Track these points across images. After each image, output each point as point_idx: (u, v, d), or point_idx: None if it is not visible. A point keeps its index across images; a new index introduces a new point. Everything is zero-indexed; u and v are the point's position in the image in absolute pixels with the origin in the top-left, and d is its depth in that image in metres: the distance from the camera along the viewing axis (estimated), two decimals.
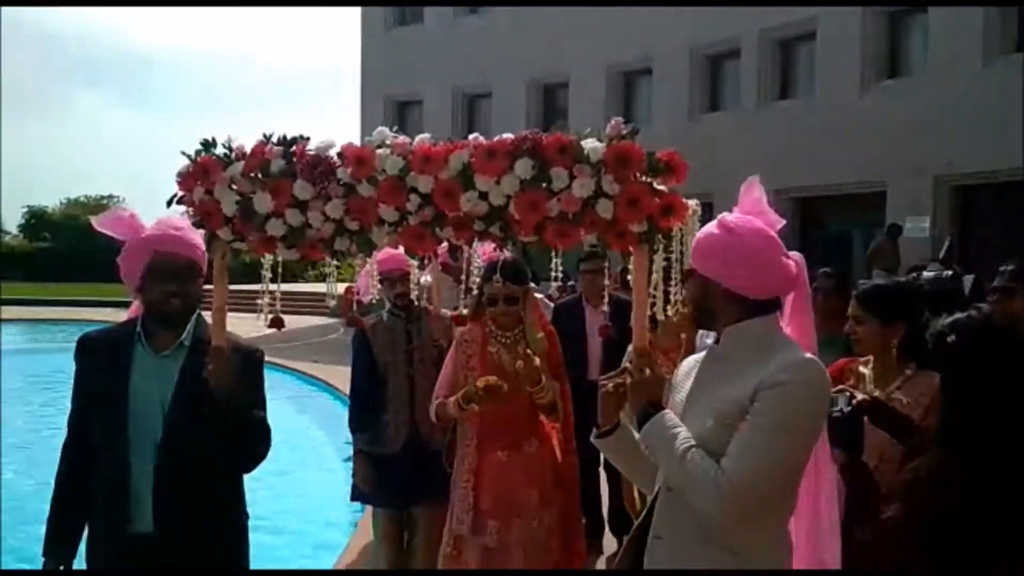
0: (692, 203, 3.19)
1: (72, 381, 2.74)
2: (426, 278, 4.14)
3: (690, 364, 2.31)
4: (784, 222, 2.24)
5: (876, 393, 3.06)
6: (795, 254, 2.20)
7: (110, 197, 62.41)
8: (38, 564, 2.72)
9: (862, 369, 3.24)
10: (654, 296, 2.40)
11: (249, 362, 2.74)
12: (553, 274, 3.74)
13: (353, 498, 4.46)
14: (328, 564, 5.52)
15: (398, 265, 4.13)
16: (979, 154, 14.93)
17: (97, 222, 2.66)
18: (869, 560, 2.56)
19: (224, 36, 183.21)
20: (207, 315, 2.67)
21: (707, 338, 2.44)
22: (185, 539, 2.58)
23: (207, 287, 2.64)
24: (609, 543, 5.53)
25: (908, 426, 2.77)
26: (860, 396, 2.87)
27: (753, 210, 2.18)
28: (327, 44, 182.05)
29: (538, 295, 6.23)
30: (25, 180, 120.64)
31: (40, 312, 24.41)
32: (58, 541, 2.67)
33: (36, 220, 53.21)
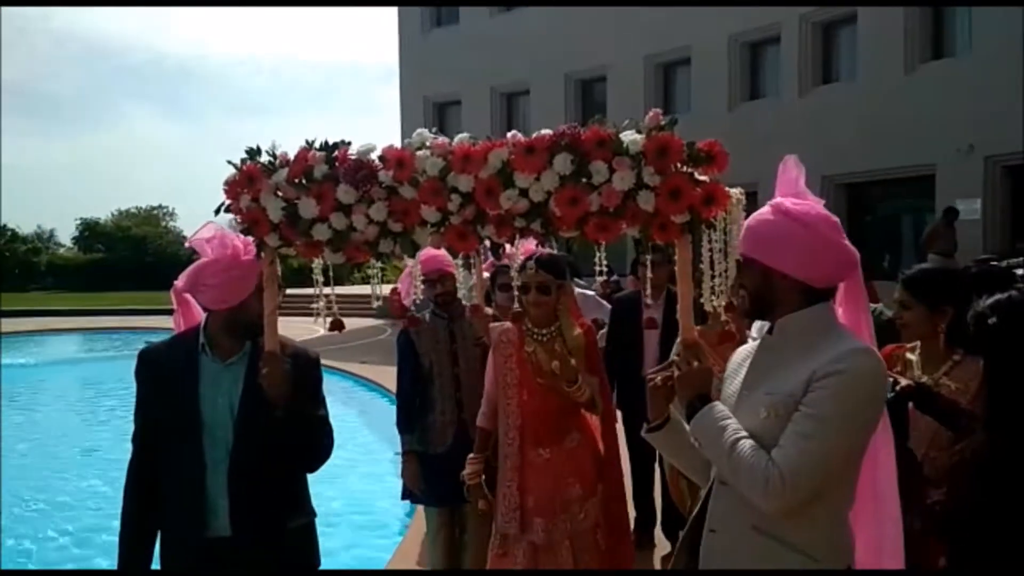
0: (736, 191, 3.17)
1: (135, 397, 2.78)
2: (473, 279, 4.17)
3: (742, 355, 2.29)
4: (823, 201, 2.20)
5: (924, 379, 3.04)
6: None
7: (160, 207, 63.79)
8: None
9: (909, 355, 3.21)
10: (702, 288, 2.39)
11: (305, 363, 2.77)
12: (597, 268, 3.74)
13: (404, 496, 4.51)
14: (382, 562, 5.58)
15: (438, 266, 4.16)
16: None
17: (196, 244, 2.69)
18: (918, 548, 2.51)
19: (266, 43, 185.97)
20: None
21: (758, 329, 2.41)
22: (260, 540, 2.64)
23: None
24: (663, 539, 5.52)
25: (954, 411, 2.72)
26: (904, 382, 2.82)
27: (791, 191, 2.15)
28: (367, 48, 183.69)
29: (588, 292, 6.24)
30: (78, 193, 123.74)
31: (96, 321, 25.00)
32: (134, 559, 2.72)
33: (89, 232, 54.46)
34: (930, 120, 16.04)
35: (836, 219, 2.11)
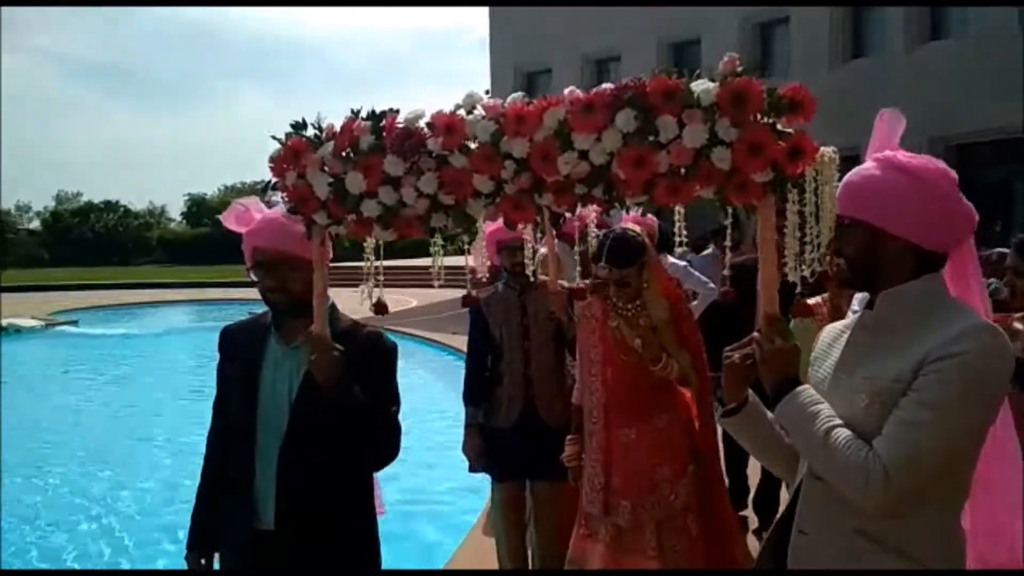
0: (829, 149, 2.86)
1: (216, 370, 2.76)
2: (542, 250, 3.98)
3: (833, 333, 2.02)
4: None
5: None
6: None
7: (263, 182, 65.72)
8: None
9: (1017, 325, 2.92)
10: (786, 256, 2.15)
11: (375, 353, 2.59)
12: (677, 239, 3.50)
13: (471, 469, 4.36)
14: (465, 530, 5.59)
15: (517, 233, 3.98)
16: None
17: (222, 218, 2.67)
18: None
19: (360, 15, 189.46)
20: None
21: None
22: (307, 538, 2.48)
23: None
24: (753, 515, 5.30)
25: None
26: None
27: (883, 146, 1.87)
28: (459, 16, 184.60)
29: (680, 261, 5.96)
30: (186, 169, 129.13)
31: (205, 293, 26.01)
32: (200, 534, 2.65)
33: (197, 207, 56.53)
34: None
35: (954, 175, 1.83)
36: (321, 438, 2.46)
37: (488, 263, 4.08)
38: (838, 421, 1.76)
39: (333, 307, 2.58)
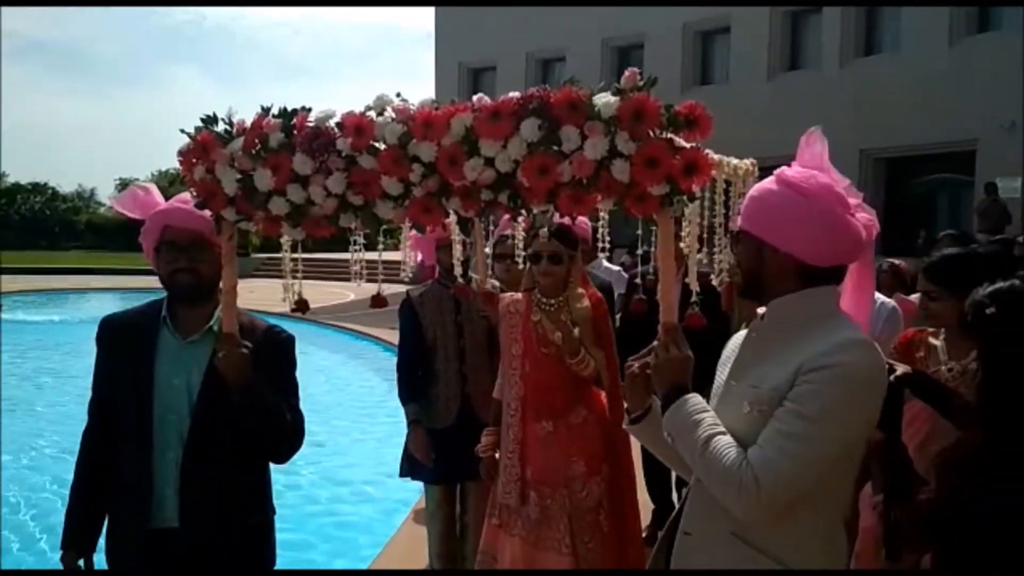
0: (747, 162, 2.92)
1: (94, 366, 2.62)
2: (487, 249, 3.99)
3: (735, 343, 2.07)
4: (848, 182, 1.99)
5: (951, 365, 2.88)
6: (865, 214, 1.96)
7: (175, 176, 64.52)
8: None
9: (933, 340, 3.02)
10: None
11: (275, 346, 2.56)
12: (600, 245, 3.51)
13: (403, 474, 4.28)
14: (389, 533, 5.49)
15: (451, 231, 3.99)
16: None
17: (115, 202, 2.58)
18: (904, 545, 2.33)
19: (305, 3, 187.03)
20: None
21: None
22: (210, 534, 2.44)
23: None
24: None
25: (952, 399, 2.53)
26: (900, 369, 2.62)
27: (813, 165, 1.93)
28: (406, 10, 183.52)
29: (613, 266, 6.04)
30: (119, 152, 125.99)
31: (134, 281, 25.29)
32: (77, 534, 2.55)
33: None
34: (973, 95, 15.46)
35: (841, 191, 1.89)
36: (226, 434, 2.42)
37: (416, 261, 4.08)
38: (720, 429, 1.81)
39: None
